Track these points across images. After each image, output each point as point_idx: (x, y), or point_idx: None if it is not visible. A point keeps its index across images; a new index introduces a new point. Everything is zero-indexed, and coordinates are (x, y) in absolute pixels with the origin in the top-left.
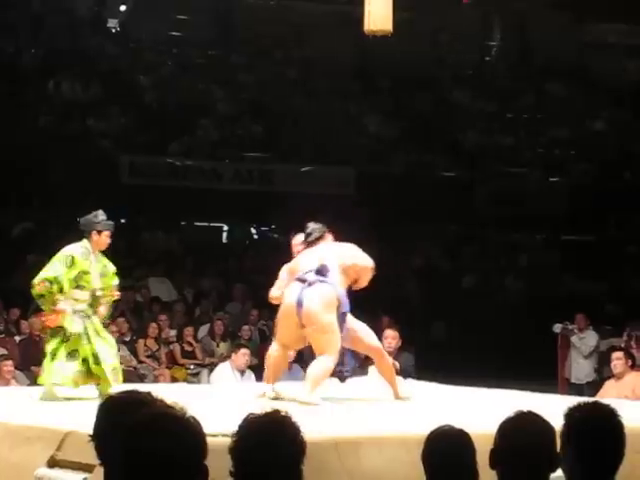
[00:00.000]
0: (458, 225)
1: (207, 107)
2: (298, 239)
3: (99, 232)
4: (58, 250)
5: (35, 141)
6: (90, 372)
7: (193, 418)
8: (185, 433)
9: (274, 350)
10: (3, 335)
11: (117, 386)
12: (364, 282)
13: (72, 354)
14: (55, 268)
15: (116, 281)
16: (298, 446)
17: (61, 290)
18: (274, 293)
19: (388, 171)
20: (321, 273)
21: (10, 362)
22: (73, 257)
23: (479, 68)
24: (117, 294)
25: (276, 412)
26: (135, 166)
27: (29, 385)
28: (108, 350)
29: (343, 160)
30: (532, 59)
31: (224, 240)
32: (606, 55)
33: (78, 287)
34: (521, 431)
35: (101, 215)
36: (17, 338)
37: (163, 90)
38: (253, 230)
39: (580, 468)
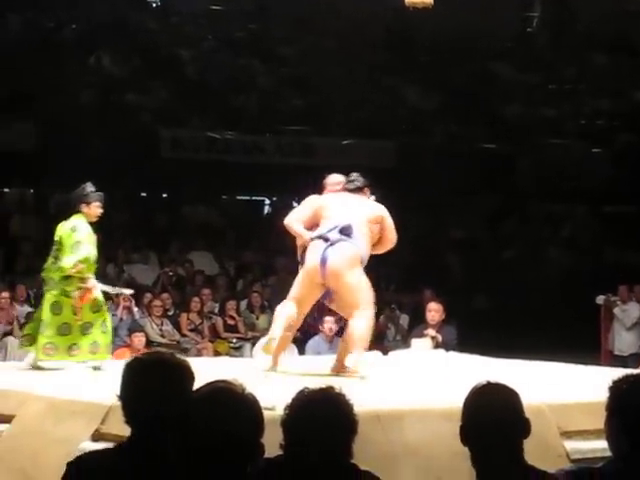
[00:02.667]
0: (499, 197)
1: (247, 81)
2: (334, 178)
3: (88, 204)
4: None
5: (76, 116)
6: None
7: (251, 395)
8: (243, 409)
9: (289, 307)
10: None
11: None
12: (380, 250)
13: (105, 323)
14: (84, 247)
15: None
16: (350, 424)
17: (89, 269)
18: (291, 222)
19: (428, 143)
20: (345, 232)
21: None
22: (90, 234)
23: (521, 39)
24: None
25: (330, 388)
26: (176, 140)
27: None
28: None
29: (384, 132)
30: (574, 29)
31: (265, 213)
32: None
33: None
34: (485, 403)
35: (89, 187)
36: None
37: (203, 64)
38: (295, 203)
39: (626, 440)
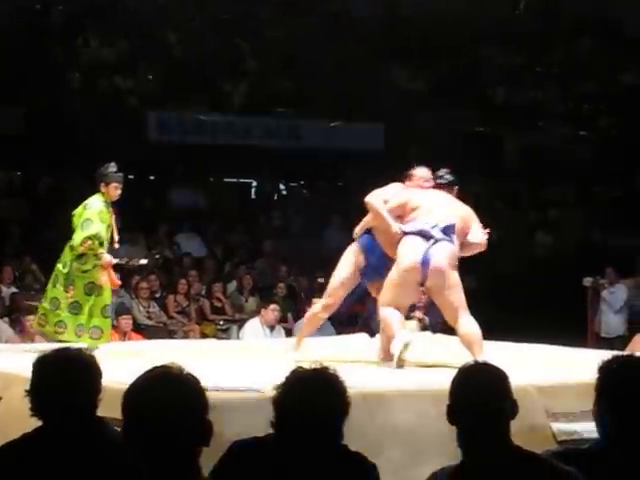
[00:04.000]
0: (487, 179)
1: (235, 62)
2: (423, 172)
3: (107, 184)
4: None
5: (63, 99)
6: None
7: (191, 375)
8: (185, 390)
9: (394, 313)
10: (33, 292)
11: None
12: (468, 253)
13: (105, 309)
14: (94, 226)
15: None
16: (342, 406)
17: (101, 244)
18: (379, 205)
19: (417, 126)
20: (446, 231)
21: (32, 317)
22: (101, 211)
23: (508, 22)
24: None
25: (324, 368)
26: (162, 122)
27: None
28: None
29: (372, 115)
30: (561, 13)
31: (253, 196)
32: (634, 7)
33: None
34: (473, 382)
35: (111, 167)
36: None
37: (190, 46)
38: (282, 186)
39: (614, 420)
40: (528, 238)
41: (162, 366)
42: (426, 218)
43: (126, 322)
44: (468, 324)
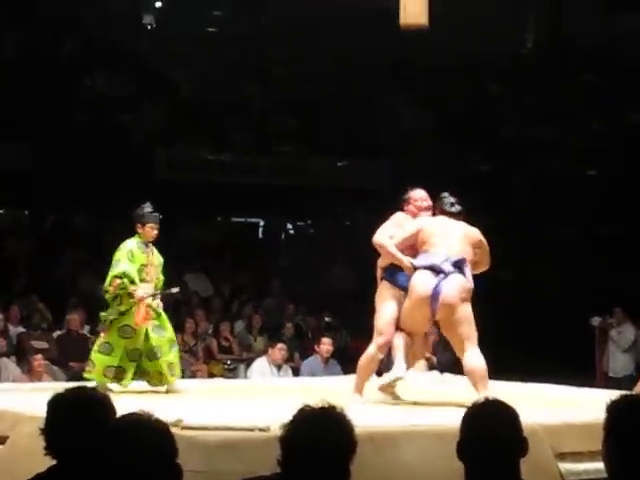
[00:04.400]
0: (494, 217)
1: (242, 102)
2: (419, 193)
3: (143, 224)
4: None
5: (71, 136)
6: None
7: (160, 421)
8: (155, 436)
9: (402, 338)
10: (40, 331)
11: (174, 380)
12: (474, 272)
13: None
14: (121, 265)
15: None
16: (350, 444)
17: (132, 282)
18: (387, 243)
19: (424, 164)
20: (458, 265)
21: (40, 356)
22: (132, 251)
23: (515, 60)
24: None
25: (332, 407)
26: (171, 161)
27: (67, 381)
28: (165, 344)
29: (378, 153)
30: (568, 50)
31: (260, 235)
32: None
33: (141, 280)
34: (485, 419)
35: (147, 208)
36: (56, 333)
37: (198, 85)
38: (289, 225)
39: (621, 460)
40: (536, 277)
41: (132, 413)
42: (438, 250)
43: None
44: (474, 358)
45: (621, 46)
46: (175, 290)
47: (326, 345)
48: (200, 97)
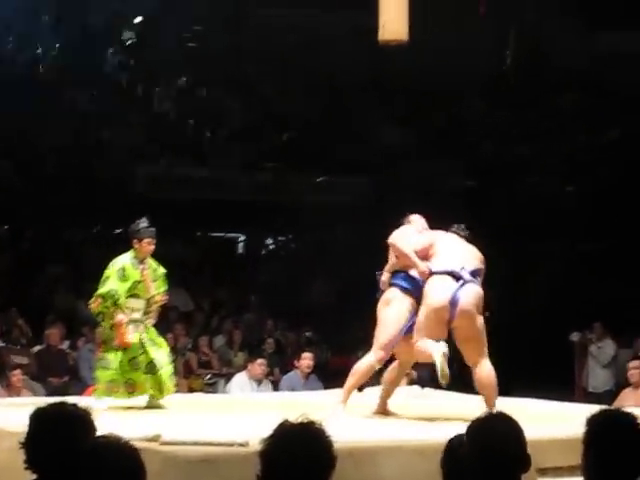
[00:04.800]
0: (474, 235)
1: (222, 118)
2: (419, 219)
3: (140, 240)
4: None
5: (51, 152)
6: (133, 382)
7: (129, 443)
8: (123, 458)
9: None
10: (19, 346)
11: (169, 393)
12: None
13: (134, 362)
14: (108, 283)
15: (165, 285)
16: (329, 460)
17: (115, 303)
18: (403, 244)
19: (404, 181)
20: (474, 274)
21: (19, 371)
22: (124, 268)
23: (495, 78)
24: (164, 298)
25: (312, 423)
26: (150, 177)
27: (47, 396)
28: (163, 357)
29: (360, 170)
30: (547, 69)
31: (240, 250)
32: (618, 63)
33: (133, 296)
34: (488, 433)
35: (142, 223)
36: (35, 349)
37: (179, 101)
38: (269, 240)
39: (600, 474)
40: (515, 292)
41: (101, 436)
42: (452, 259)
43: None
44: (487, 369)
45: (601, 64)
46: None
47: (307, 360)
48: (181, 113)
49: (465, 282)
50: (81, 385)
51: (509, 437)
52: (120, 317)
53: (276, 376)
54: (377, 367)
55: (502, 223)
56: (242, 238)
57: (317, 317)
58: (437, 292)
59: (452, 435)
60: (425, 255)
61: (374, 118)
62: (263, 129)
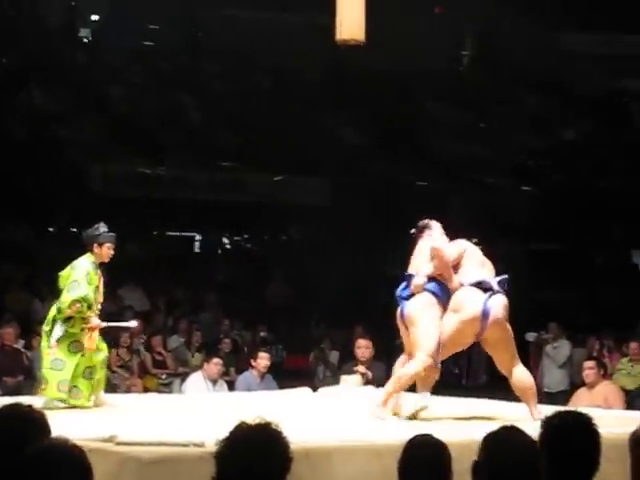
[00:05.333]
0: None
1: (179, 116)
2: (439, 227)
3: (100, 245)
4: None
5: (5, 151)
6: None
7: (76, 446)
8: (71, 461)
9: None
10: None
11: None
12: None
13: (90, 369)
14: (82, 287)
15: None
16: (285, 461)
17: (89, 307)
18: (450, 255)
19: (362, 181)
20: (501, 284)
21: None
22: (89, 272)
23: (453, 77)
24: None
25: (268, 424)
26: (107, 176)
27: (1, 396)
28: (100, 363)
29: (317, 170)
30: (504, 69)
31: (196, 250)
32: (576, 65)
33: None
34: (505, 445)
35: (102, 227)
36: None
37: (135, 100)
38: (225, 240)
39: (555, 476)
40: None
41: (49, 438)
42: (478, 270)
43: None
44: (523, 374)
45: (559, 64)
46: (133, 323)
47: (264, 360)
48: (136, 111)
49: (493, 292)
50: (35, 385)
51: (525, 452)
52: (97, 322)
53: (232, 376)
54: (423, 374)
55: (457, 223)
56: (198, 237)
57: (272, 317)
58: (469, 305)
59: (409, 436)
60: (455, 265)
61: (332, 119)
62: (220, 128)
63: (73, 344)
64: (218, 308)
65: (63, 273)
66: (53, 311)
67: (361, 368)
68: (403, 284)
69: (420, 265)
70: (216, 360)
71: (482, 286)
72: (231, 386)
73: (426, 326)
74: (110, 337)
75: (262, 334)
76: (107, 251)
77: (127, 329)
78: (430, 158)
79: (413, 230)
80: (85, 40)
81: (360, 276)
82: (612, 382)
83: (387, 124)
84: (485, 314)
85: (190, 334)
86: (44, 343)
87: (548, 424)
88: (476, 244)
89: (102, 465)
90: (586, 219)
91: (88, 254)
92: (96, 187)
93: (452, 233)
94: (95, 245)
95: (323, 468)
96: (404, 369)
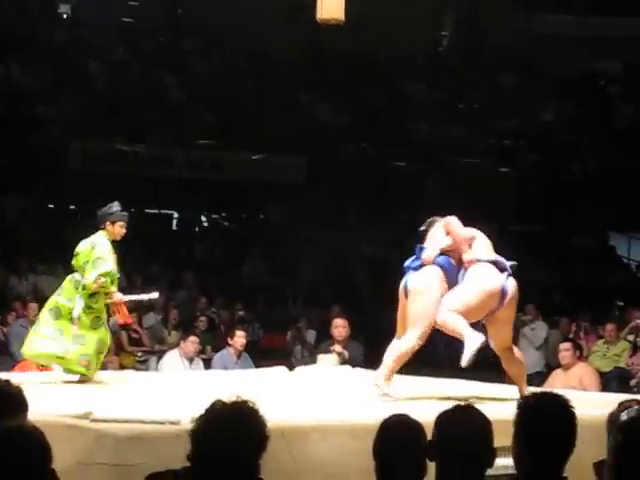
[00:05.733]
0: (408, 215)
1: (158, 94)
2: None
3: (113, 223)
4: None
5: None
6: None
7: (35, 428)
8: (30, 444)
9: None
10: None
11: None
12: None
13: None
14: (107, 263)
15: None
16: (261, 440)
17: (112, 282)
18: (464, 235)
19: (339, 160)
20: (512, 268)
21: None
22: (110, 250)
23: (431, 58)
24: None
25: (244, 402)
26: (85, 153)
27: None
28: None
29: (294, 149)
30: (483, 50)
31: (174, 227)
32: (555, 46)
33: None
34: (458, 424)
35: (115, 206)
36: None
37: (114, 77)
38: (203, 218)
39: (530, 457)
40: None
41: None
42: (490, 253)
43: None
44: (519, 354)
45: (537, 46)
46: (155, 295)
47: (241, 338)
48: (115, 88)
49: (509, 275)
50: (11, 361)
51: (478, 430)
52: (120, 296)
53: (208, 354)
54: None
55: (434, 203)
56: (176, 215)
57: (249, 295)
58: (492, 278)
59: (384, 416)
60: (468, 244)
61: (311, 97)
62: (199, 106)
63: (95, 320)
64: (195, 286)
65: (82, 250)
66: (69, 285)
67: (338, 347)
68: (413, 256)
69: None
70: (192, 338)
71: (498, 265)
72: (207, 364)
73: (427, 304)
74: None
75: (240, 313)
76: (120, 229)
77: (149, 301)
78: (408, 138)
79: (422, 227)
80: (64, 16)
81: (338, 255)
82: (588, 364)
83: (365, 104)
84: (504, 292)
85: (167, 312)
86: (64, 319)
87: (524, 405)
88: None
89: (78, 441)
90: (563, 201)
91: (101, 232)
92: (74, 164)
93: (429, 213)
94: (108, 223)
95: (299, 447)
96: (399, 346)
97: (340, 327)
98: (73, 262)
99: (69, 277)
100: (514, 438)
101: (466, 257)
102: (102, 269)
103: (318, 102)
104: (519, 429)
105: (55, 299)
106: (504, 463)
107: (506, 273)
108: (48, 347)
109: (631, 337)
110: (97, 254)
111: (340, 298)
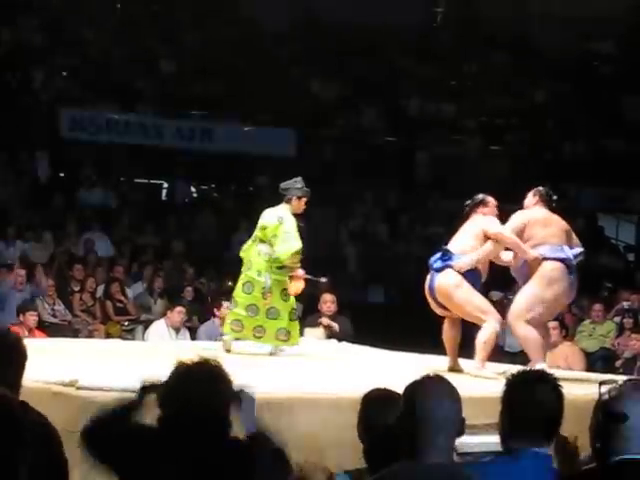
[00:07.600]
0: (397, 190)
1: (150, 63)
2: (494, 211)
3: (299, 198)
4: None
5: None
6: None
7: (8, 394)
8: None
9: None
10: None
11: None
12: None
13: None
14: (296, 240)
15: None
16: (227, 395)
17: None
18: (514, 238)
19: (329, 133)
20: (577, 257)
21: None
22: (296, 225)
23: (424, 34)
24: None
25: (207, 361)
26: (75, 120)
27: None
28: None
29: (284, 121)
30: (477, 27)
31: (163, 197)
32: (548, 26)
33: None
34: (424, 396)
35: (300, 182)
36: None
37: (106, 45)
38: (192, 188)
39: (518, 433)
40: (436, 250)
41: None
42: (552, 240)
43: (33, 318)
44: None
45: (531, 26)
46: (323, 280)
47: (227, 309)
48: (107, 56)
49: (573, 271)
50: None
51: (445, 400)
52: (302, 272)
53: (194, 324)
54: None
55: (423, 180)
56: (166, 185)
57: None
58: (567, 277)
59: (368, 389)
60: (520, 234)
61: (302, 70)
62: (190, 77)
63: (283, 292)
64: (183, 256)
65: (269, 224)
66: (257, 258)
67: (325, 320)
68: (437, 254)
69: (462, 242)
70: (179, 308)
71: (565, 262)
72: (194, 333)
73: (471, 291)
74: (79, 282)
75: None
76: (302, 205)
77: (317, 283)
78: (398, 113)
79: (468, 202)
80: None
81: (326, 229)
82: (573, 343)
83: (356, 78)
84: (571, 287)
85: (152, 281)
86: (256, 293)
87: (511, 382)
88: (548, 199)
89: (63, 409)
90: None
91: (286, 205)
92: (63, 131)
93: (418, 189)
94: (294, 198)
95: (284, 419)
96: (482, 334)
97: (329, 302)
98: (259, 234)
99: (255, 250)
100: (501, 415)
101: (531, 258)
102: (295, 246)
103: (310, 75)
104: (506, 406)
105: (247, 273)
106: (491, 440)
107: (572, 276)
108: (244, 328)
109: (618, 319)
110: (285, 229)
111: (327, 272)
